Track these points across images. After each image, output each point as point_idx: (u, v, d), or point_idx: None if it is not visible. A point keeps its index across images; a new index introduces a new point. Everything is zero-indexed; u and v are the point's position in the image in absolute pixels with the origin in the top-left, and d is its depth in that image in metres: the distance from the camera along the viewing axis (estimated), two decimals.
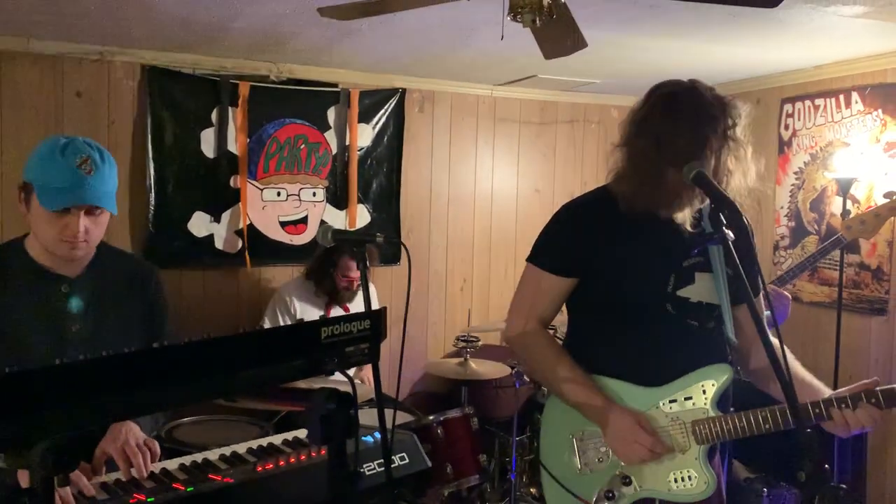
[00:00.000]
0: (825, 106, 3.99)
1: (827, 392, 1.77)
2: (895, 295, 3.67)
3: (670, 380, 1.81)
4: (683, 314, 1.83)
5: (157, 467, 1.92)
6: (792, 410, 1.48)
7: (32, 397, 1.08)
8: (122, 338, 1.93)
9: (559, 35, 2.26)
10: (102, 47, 3.81)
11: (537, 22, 1.92)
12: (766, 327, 2.02)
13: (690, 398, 1.79)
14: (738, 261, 1.64)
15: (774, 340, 1.98)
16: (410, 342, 4.74)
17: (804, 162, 4.12)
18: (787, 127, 4.21)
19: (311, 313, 3.80)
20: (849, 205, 3.69)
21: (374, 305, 4.18)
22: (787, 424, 1.70)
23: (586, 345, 1.93)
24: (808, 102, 4.09)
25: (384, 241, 1.88)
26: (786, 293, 2.78)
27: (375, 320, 1.55)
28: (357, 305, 3.86)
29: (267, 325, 3.81)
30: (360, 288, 3.78)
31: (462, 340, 3.96)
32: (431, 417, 3.32)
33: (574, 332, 2.01)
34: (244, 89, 4.15)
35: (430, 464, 2.17)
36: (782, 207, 4.23)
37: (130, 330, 2.01)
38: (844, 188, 3.64)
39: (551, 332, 2.02)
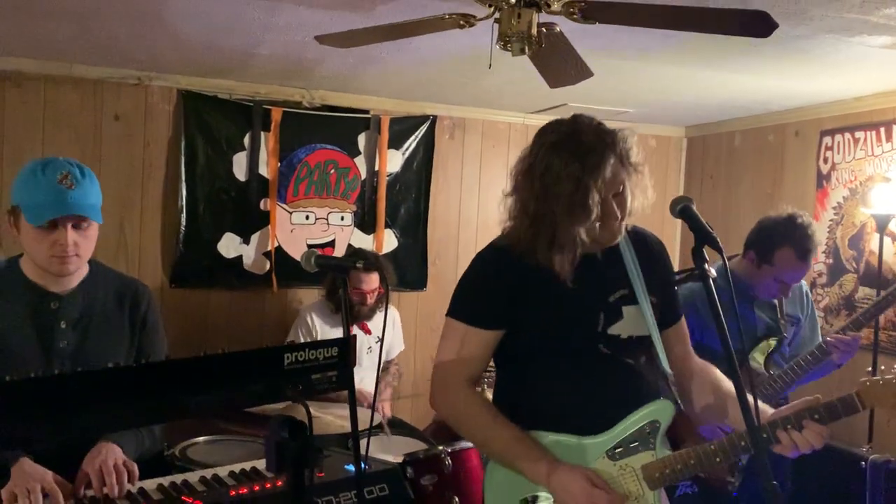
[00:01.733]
0: (865, 139, 3.83)
1: (769, 411, 1.68)
2: None
3: (612, 424, 1.72)
4: (617, 353, 1.76)
5: (135, 487, 1.94)
6: (752, 435, 1.40)
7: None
8: (109, 355, 1.97)
9: (559, 64, 2.23)
10: (140, 72, 3.95)
11: (526, 51, 1.90)
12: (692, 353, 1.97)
13: (635, 442, 1.71)
14: (716, 300, 1.57)
15: (702, 363, 1.92)
16: (430, 371, 4.70)
17: (843, 197, 3.95)
18: (825, 160, 4.06)
19: (332, 333, 3.81)
20: (886, 242, 3.53)
21: (392, 329, 4.15)
22: (737, 454, 1.64)
23: (519, 399, 1.80)
24: (847, 135, 3.93)
25: (363, 268, 1.88)
26: (859, 336, 2.59)
27: (343, 348, 1.54)
28: (378, 324, 3.85)
29: None
30: (379, 304, 3.80)
31: None
32: (440, 448, 3.27)
33: (503, 386, 1.89)
34: (277, 115, 4.23)
35: (412, 496, 2.14)
36: (820, 244, 4.05)
37: (118, 347, 2.05)
38: (882, 225, 3.48)
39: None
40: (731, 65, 3.20)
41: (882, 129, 3.74)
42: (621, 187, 1.69)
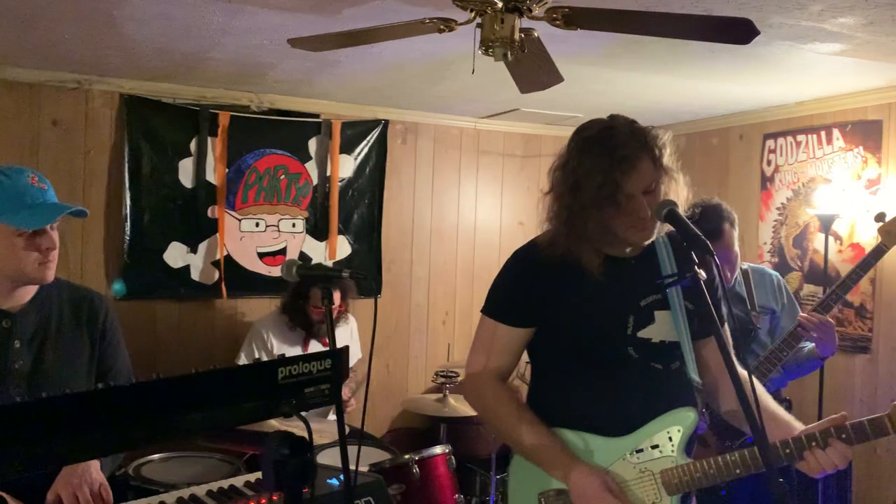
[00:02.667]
0: (807, 142, 3.99)
1: (798, 427, 1.70)
2: (879, 333, 3.64)
3: (635, 428, 1.74)
4: (646, 357, 1.76)
5: None
6: (762, 454, 1.41)
7: None
8: (67, 372, 1.88)
9: (534, 70, 2.23)
10: (80, 76, 3.78)
11: (509, 56, 1.89)
12: (735, 362, 1.98)
13: (657, 446, 1.72)
14: (706, 294, 1.59)
15: (743, 373, 1.94)
16: (391, 377, 4.67)
17: (787, 198, 4.10)
18: (769, 163, 4.21)
19: (288, 348, 3.72)
20: (831, 242, 3.67)
21: (350, 340, 4.11)
22: (758, 467, 1.64)
23: (548, 395, 1.85)
24: (789, 138, 4.09)
25: (350, 277, 1.82)
26: (829, 320, 2.63)
27: (336, 360, 1.49)
28: (336, 339, 3.78)
29: (243, 359, 3.73)
30: (338, 321, 3.74)
31: (441, 376, 3.89)
32: (407, 456, 3.23)
33: (536, 382, 1.92)
34: (224, 119, 4.12)
35: None
36: (765, 243, 4.20)
37: (76, 363, 1.96)
38: (826, 225, 3.62)
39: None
40: (686, 70, 3.27)
41: (823, 133, 3.89)
42: (653, 185, 1.68)
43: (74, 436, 1.17)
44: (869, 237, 3.66)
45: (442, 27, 1.96)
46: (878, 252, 2.64)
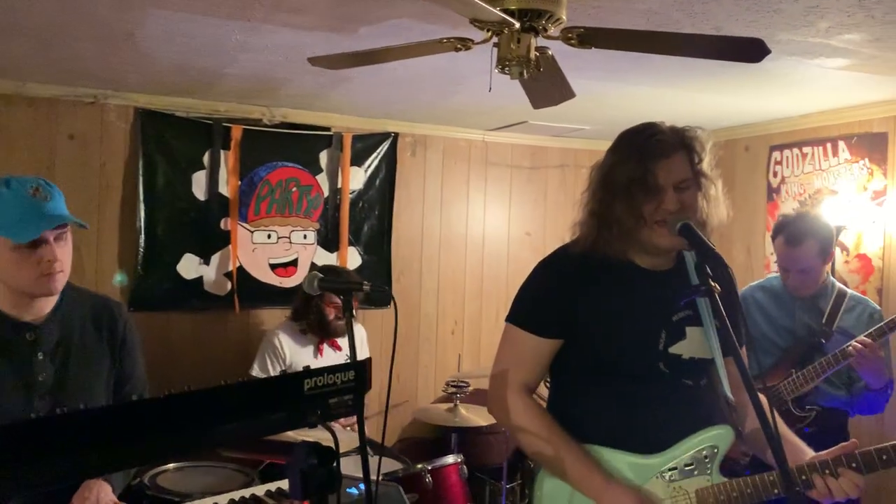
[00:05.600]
0: (813, 154, 4.03)
1: (809, 453, 1.69)
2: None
3: (668, 446, 1.70)
4: (677, 373, 1.73)
5: None
6: (784, 478, 1.42)
7: (2, 453, 1.05)
8: (91, 382, 1.89)
9: (547, 86, 2.28)
10: (97, 90, 3.84)
11: (524, 74, 1.94)
12: (753, 383, 1.98)
13: (691, 465, 1.68)
14: (724, 313, 1.62)
15: (762, 398, 1.96)
16: (401, 387, 4.70)
17: (793, 209, 4.14)
18: (775, 174, 4.25)
19: (302, 354, 3.76)
20: (837, 253, 3.71)
21: (359, 346, 4.14)
22: (794, 485, 1.61)
23: (573, 411, 1.79)
24: (795, 150, 4.13)
25: (371, 289, 1.87)
26: (880, 352, 2.60)
27: (360, 371, 1.53)
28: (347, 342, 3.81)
29: (256, 371, 3.76)
30: (354, 319, 3.77)
31: (452, 385, 3.92)
32: (420, 466, 3.27)
33: (559, 397, 1.88)
34: (237, 132, 4.17)
35: None
36: (772, 254, 4.23)
37: (99, 373, 1.97)
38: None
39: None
40: (694, 84, 3.32)
41: (829, 145, 3.94)
42: (686, 184, 1.67)
43: (104, 449, 1.20)
44: (876, 248, 3.69)
45: (459, 46, 2.01)
46: None
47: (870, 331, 2.65)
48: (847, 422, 2.85)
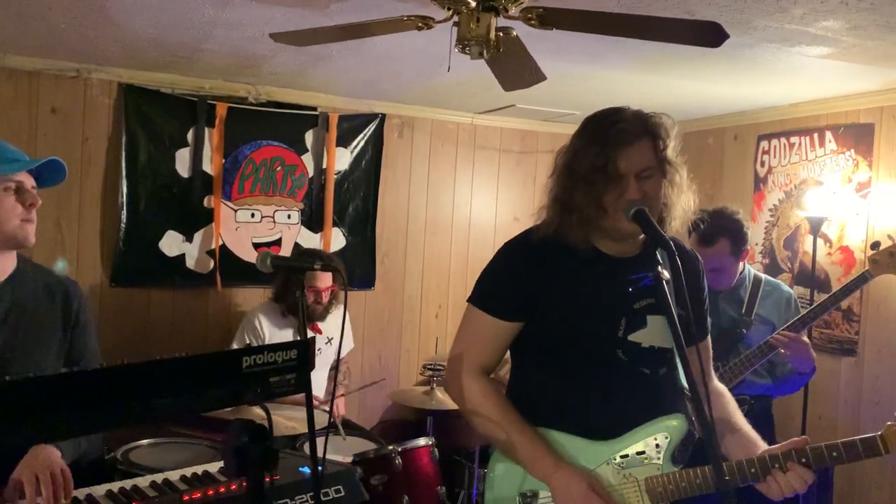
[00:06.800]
0: (800, 144, 3.99)
1: (762, 447, 1.68)
2: (865, 336, 3.64)
3: (621, 433, 1.69)
4: (636, 361, 1.72)
5: (82, 493, 1.88)
6: (716, 471, 1.41)
7: None
8: (39, 352, 1.91)
9: (515, 67, 2.25)
10: (79, 64, 3.82)
11: (485, 54, 1.91)
12: (712, 375, 1.97)
13: (643, 452, 1.68)
14: (670, 302, 1.61)
15: (719, 387, 1.95)
16: (383, 368, 4.70)
17: (779, 199, 4.11)
18: (762, 164, 4.21)
19: (281, 336, 3.76)
20: (820, 244, 3.68)
21: (337, 331, 4.12)
22: (745, 480, 1.62)
23: (531, 395, 1.79)
24: (783, 140, 4.09)
25: (322, 269, 1.86)
26: (803, 339, 2.65)
27: (303, 350, 1.52)
28: (329, 325, 3.82)
29: None
30: (331, 305, 3.77)
31: (429, 369, 3.92)
32: (391, 447, 3.27)
33: (517, 380, 1.87)
34: (221, 110, 4.15)
35: (367, 497, 2.14)
36: (757, 244, 4.21)
37: (49, 345, 1.99)
38: (815, 227, 3.62)
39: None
40: (677, 70, 3.28)
41: (816, 135, 3.90)
42: (649, 172, 1.66)
43: (45, 417, 1.20)
44: (858, 240, 3.66)
45: (420, 24, 1.98)
46: (861, 280, 2.68)
47: (791, 322, 2.70)
48: (771, 404, 2.94)
